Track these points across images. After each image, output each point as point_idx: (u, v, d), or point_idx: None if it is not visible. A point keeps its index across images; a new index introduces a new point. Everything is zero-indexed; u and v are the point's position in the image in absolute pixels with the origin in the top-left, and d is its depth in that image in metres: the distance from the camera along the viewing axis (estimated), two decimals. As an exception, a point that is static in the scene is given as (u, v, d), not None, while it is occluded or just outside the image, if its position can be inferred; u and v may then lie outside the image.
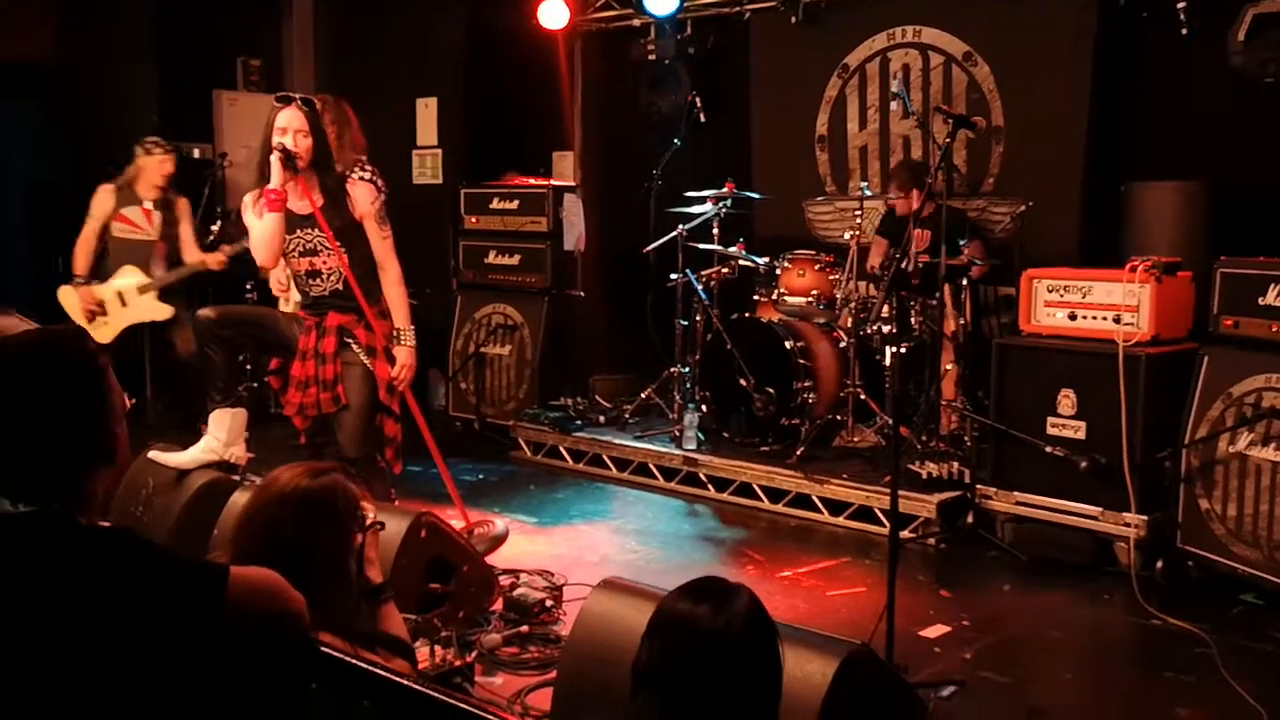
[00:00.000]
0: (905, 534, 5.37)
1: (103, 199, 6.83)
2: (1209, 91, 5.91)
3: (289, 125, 4.39)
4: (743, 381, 6.24)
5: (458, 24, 8.57)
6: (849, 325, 6.25)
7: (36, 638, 1.79)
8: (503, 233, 7.75)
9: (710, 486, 6.20)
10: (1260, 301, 4.60)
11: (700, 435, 6.42)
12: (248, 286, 7.76)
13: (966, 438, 5.80)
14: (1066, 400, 5.10)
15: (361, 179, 4.63)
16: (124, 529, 1.97)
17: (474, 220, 7.94)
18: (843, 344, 6.29)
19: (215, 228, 7.89)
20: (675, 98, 7.84)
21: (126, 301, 6.82)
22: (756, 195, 6.97)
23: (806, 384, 6.10)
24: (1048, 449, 5.10)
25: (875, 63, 7.22)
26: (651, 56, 8.01)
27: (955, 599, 4.70)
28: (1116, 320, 4.97)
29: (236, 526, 2.57)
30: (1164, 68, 6.17)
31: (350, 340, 4.54)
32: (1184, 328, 5.11)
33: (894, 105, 6.86)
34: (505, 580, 4.44)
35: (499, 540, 4.90)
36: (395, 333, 4.58)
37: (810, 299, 6.44)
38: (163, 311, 6.83)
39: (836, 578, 4.95)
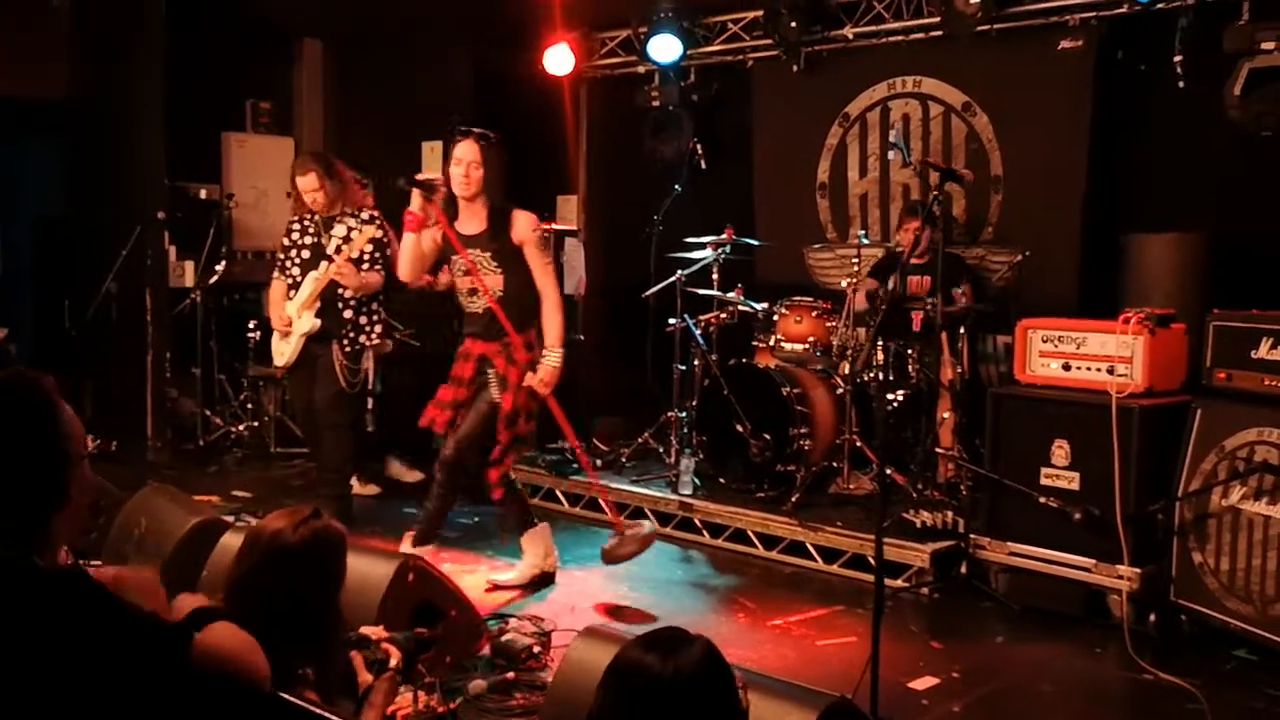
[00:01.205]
0: (898, 583, 5.35)
1: None
2: (1206, 144, 5.96)
3: (463, 157, 4.78)
4: (739, 427, 6.24)
5: (465, 69, 8.69)
6: (846, 372, 6.26)
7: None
8: (505, 275, 7.78)
9: (705, 532, 6.19)
10: (1253, 355, 4.60)
11: (696, 480, 6.42)
12: (250, 325, 7.83)
13: (962, 487, 5.79)
14: (1060, 451, 5.09)
15: (521, 209, 4.93)
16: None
17: (477, 263, 7.96)
18: (839, 391, 6.30)
19: (220, 267, 7.98)
20: (678, 144, 7.93)
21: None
22: (755, 241, 7.01)
23: (803, 430, 6.10)
24: (1041, 499, 5.09)
25: (876, 112, 7.28)
26: (655, 103, 8.12)
27: (946, 650, 4.68)
28: (1110, 371, 4.97)
29: (227, 578, 2.61)
30: (1161, 120, 6.22)
31: (490, 370, 4.93)
32: (1178, 380, 5.10)
33: (892, 155, 6.93)
34: (494, 626, 4.44)
35: (649, 540, 5.27)
36: (543, 352, 4.92)
37: (807, 346, 6.45)
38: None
39: (828, 627, 4.93)
